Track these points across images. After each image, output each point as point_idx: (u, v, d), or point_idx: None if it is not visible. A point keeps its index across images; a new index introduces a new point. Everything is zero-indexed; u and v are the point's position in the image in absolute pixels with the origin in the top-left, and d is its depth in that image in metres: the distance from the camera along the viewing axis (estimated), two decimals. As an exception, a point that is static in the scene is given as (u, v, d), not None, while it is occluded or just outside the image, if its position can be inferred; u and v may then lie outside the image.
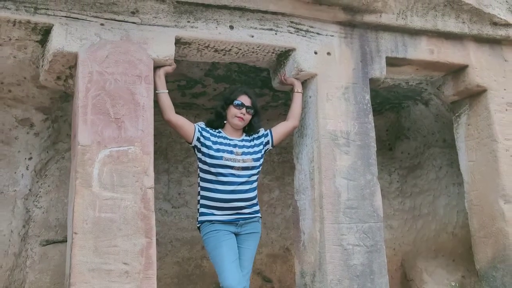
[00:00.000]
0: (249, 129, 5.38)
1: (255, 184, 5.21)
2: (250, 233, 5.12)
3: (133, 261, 4.61)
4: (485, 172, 6.46)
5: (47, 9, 4.83)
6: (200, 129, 5.18)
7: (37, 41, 5.08)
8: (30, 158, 6.22)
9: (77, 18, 4.91)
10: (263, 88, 6.80)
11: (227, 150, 5.11)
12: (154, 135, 5.00)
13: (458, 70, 6.55)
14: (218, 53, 5.58)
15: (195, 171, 6.97)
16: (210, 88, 6.80)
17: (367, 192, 5.61)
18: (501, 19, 6.45)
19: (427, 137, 8.28)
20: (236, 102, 5.22)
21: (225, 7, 5.41)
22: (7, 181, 6.10)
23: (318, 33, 5.78)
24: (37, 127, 6.19)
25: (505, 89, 6.55)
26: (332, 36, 5.85)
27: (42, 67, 5.24)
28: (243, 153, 5.16)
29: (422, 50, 6.23)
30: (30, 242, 6.21)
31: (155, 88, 5.11)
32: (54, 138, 6.29)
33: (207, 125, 5.30)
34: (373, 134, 5.81)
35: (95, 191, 4.63)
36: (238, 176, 5.06)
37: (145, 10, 5.15)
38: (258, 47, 5.56)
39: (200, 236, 5.15)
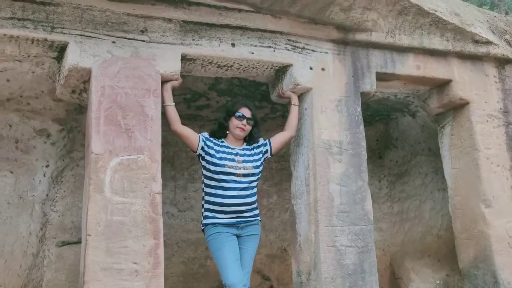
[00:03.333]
0: (250, 139, 5.37)
1: (255, 190, 5.20)
2: (251, 235, 5.10)
3: (142, 260, 4.61)
4: (468, 178, 6.46)
5: (63, 28, 4.84)
6: (204, 139, 5.17)
7: (53, 58, 5.09)
8: (47, 166, 6.21)
9: (91, 36, 4.92)
10: (263, 101, 6.80)
11: (229, 158, 5.10)
12: (162, 144, 4.99)
13: (442, 84, 6.55)
14: (221, 68, 5.58)
15: (199, 177, 6.97)
16: (213, 101, 6.80)
17: (359, 197, 5.61)
18: (482, 37, 6.47)
19: (414, 146, 8.27)
20: (237, 114, 5.22)
21: (227, 26, 5.42)
22: (26, 186, 6.10)
23: (313, 50, 5.79)
24: (53, 137, 6.18)
25: (486, 102, 6.56)
26: (326, 53, 5.86)
27: (58, 81, 5.25)
28: (244, 161, 5.15)
29: (409, 66, 6.24)
30: (47, 243, 6.20)
31: (163, 101, 5.11)
32: (69, 147, 6.29)
33: (211, 135, 5.30)
34: (364, 143, 5.81)
35: (107, 196, 4.62)
36: (239, 182, 5.05)
37: (153, 29, 5.16)
38: (258, 63, 5.57)
39: (204, 238, 5.13)
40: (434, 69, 6.40)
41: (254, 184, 5.19)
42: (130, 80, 4.95)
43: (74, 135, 6.25)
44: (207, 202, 5.10)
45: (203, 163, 5.14)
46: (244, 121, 5.22)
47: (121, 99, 4.88)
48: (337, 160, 5.58)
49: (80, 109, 5.90)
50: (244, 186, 5.08)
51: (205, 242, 5.21)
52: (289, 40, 5.69)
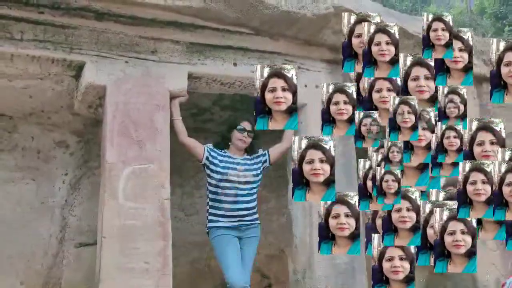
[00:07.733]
0: (250, 150, 5.36)
1: (255, 196, 5.19)
2: (251, 237, 5.10)
3: (152, 260, 4.62)
4: (449, 185, 6.46)
5: (80, 49, 4.87)
6: (209, 150, 5.17)
7: (72, 76, 5.10)
8: (66, 174, 6.22)
9: (106, 57, 4.95)
10: (262, 115, 6.79)
11: (232, 167, 5.10)
12: (170, 154, 5.00)
13: (426, 100, 6.56)
14: (224, 86, 5.59)
15: (204, 185, 6.93)
16: (217, 115, 6.80)
17: (349, 202, 5.60)
18: (462, 58, 6.47)
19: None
20: (239, 127, 5.21)
21: (229, 47, 5.45)
22: (47, 193, 6.11)
23: (307, 69, 5.80)
24: (71, 148, 6.19)
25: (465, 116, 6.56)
26: (320, 71, 5.87)
27: (76, 97, 5.27)
28: (245, 170, 5.14)
29: (395, 83, 6.24)
30: (66, 245, 6.20)
31: (171, 115, 5.12)
32: (86, 157, 6.29)
33: (215, 146, 5.29)
34: (354, 153, 5.80)
35: (120, 202, 4.64)
36: (241, 189, 5.05)
37: (162, 49, 5.18)
38: (257, 80, 5.57)
39: (209, 240, 5.13)
40: (418, 86, 6.40)
41: (254, 190, 5.19)
42: (141, 97, 4.97)
43: (90, 146, 6.26)
44: (211, 207, 5.10)
45: (208, 171, 5.14)
46: (245, 134, 5.21)
47: (133, 113, 4.90)
48: (329, 169, 5.57)
49: (96, 123, 5.90)
50: (245, 193, 5.08)
51: (209, 244, 5.20)
52: (286, 60, 5.70)
